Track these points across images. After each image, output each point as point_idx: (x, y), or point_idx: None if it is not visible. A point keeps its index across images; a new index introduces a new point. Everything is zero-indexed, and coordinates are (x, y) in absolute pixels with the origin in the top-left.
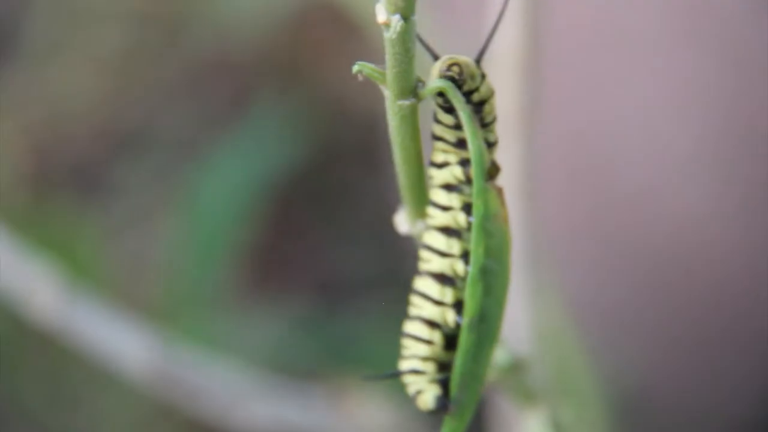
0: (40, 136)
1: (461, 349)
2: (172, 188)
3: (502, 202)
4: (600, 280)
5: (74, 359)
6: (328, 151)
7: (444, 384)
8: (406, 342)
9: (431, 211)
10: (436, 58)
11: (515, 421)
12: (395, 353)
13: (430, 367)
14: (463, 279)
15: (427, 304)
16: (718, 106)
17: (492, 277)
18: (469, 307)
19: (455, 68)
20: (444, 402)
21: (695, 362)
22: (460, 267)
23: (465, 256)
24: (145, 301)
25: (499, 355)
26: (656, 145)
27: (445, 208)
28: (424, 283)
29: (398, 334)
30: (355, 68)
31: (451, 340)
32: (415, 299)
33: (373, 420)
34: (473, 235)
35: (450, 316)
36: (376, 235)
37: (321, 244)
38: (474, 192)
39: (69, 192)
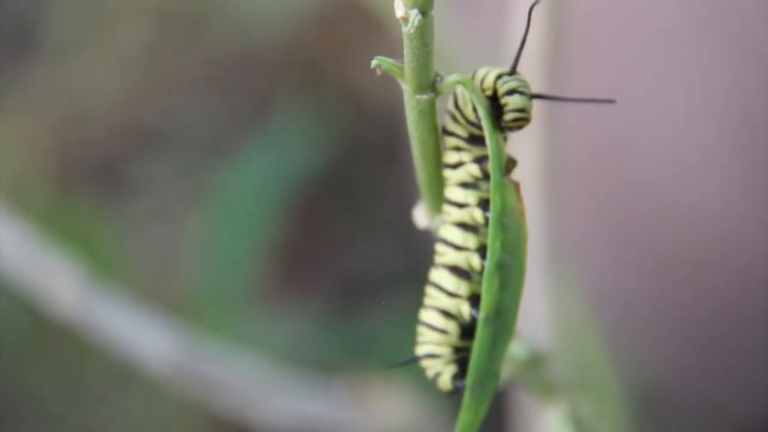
0: (63, 133)
1: (477, 344)
2: (195, 185)
3: (519, 197)
4: (619, 274)
5: (95, 355)
6: (351, 148)
7: (461, 363)
8: (421, 329)
9: (447, 207)
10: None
11: (535, 415)
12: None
13: (446, 351)
14: (479, 273)
15: (442, 295)
16: (736, 99)
17: (508, 272)
18: (486, 301)
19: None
20: (462, 382)
21: (713, 356)
22: (475, 261)
23: (481, 250)
24: (168, 297)
25: (518, 349)
26: (675, 138)
27: (461, 205)
28: (439, 275)
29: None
30: (374, 63)
31: (466, 331)
32: (430, 290)
33: (394, 414)
34: (490, 230)
35: (465, 309)
36: (398, 232)
37: (343, 242)
38: (491, 187)
39: (92, 189)
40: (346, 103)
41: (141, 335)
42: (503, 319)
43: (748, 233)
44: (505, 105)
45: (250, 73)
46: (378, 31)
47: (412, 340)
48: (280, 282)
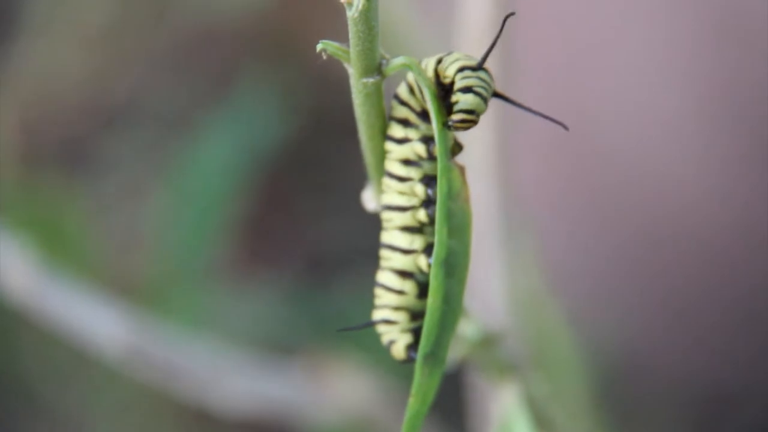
0: (28, 112)
1: (428, 318)
2: (161, 163)
3: (465, 182)
4: (582, 247)
5: (52, 340)
6: (318, 123)
7: (416, 334)
8: (378, 292)
9: (387, 181)
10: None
11: (490, 395)
12: None
13: (402, 317)
14: (430, 224)
15: (396, 254)
16: (701, 66)
17: (453, 258)
18: (434, 287)
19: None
20: (415, 353)
21: (681, 327)
22: (422, 215)
23: (425, 203)
24: (132, 276)
25: (469, 330)
26: (639, 106)
27: (403, 179)
28: (390, 236)
29: None
30: (319, 46)
31: (424, 289)
32: (384, 252)
33: (352, 392)
34: (437, 215)
35: (422, 261)
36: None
37: (311, 217)
38: (438, 170)
39: (57, 167)
40: (313, 78)
41: (96, 320)
42: (450, 305)
43: (714, 203)
44: (455, 103)
45: (215, 49)
46: (341, 7)
47: None
48: (246, 259)
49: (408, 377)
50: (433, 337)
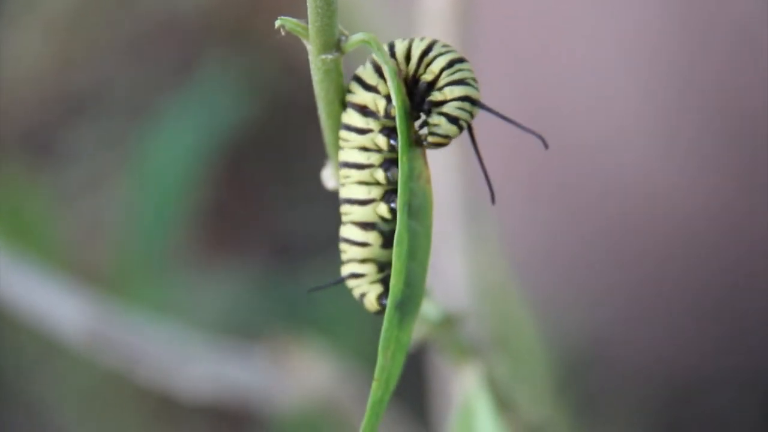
0: None
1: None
2: (125, 151)
3: (425, 162)
4: (551, 235)
5: (17, 328)
6: (283, 109)
7: (386, 283)
8: (343, 247)
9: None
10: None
11: (451, 377)
12: (354, 312)
13: (369, 269)
14: (387, 182)
15: (355, 207)
16: (666, 59)
17: (415, 239)
18: (396, 267)
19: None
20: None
21: (645, 317)
22: (380, 175)
23: (384, 163)
24: (98, 265)
25: (430, 311)
26: (604, 98)
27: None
28: (348, 190)
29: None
30: (277, 23)
31: (388, 238)
32: (344, 207)
33: (315, 376)
34: (399, 190)
35: (382, 209)
36: (330, 193)
37: (275, 204)
38: (399, 150)
39: (21, 156)
40: (277, 64)
41: (59, 306)
42: (412, 287)
43: (680, 192)
44: (435, 125)
45: (178, 36)
46: None
47: (347, 300)
48: (212, 247)
49: (372, 361)
50: (402, 284)
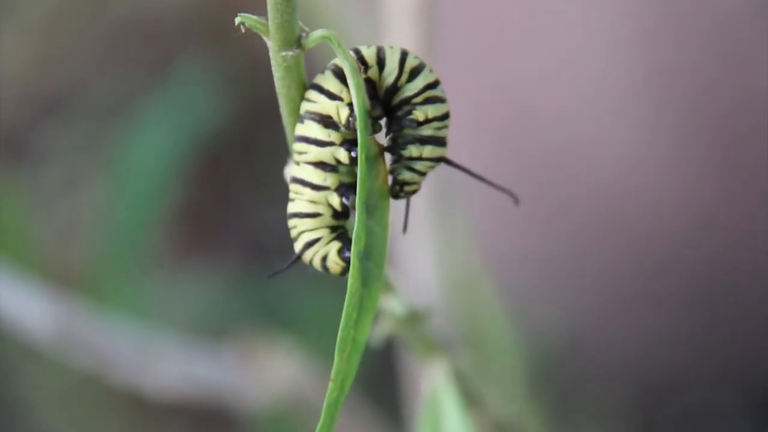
0: None
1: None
2: (100, 152)
3: (382, 160)
4: (525, 231)
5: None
6: (256, 110)
7: (342, 237)
8: (292, 222)
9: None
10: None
11: (420, 372)
12: (330, 312)
13: (321, 233)
14: (347, 165)
15: (307, 189)
16: (645, 47)
17: (372, 239)
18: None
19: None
20: (349, 252)
21: (622, 312)
22: (342, 155)
23: (344, 144)
24: (72, 266)
25: (396, 307)
26: (583, 89)
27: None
28: (299, 170)
29: (332, 293)
30: (237, 20)
31: (338, 213)
32: (294, 186)
33: (282, 374)
34: (358, 188)
35: (334, 200)
36: None
37: (250, 204)
38: (359, 145)
39: None
40: (251, 65)
41: (28, 307)
42: (369, 288)
43: (660, 186)
44: (403, 180)
45: (155, 38)
46: None
47: (324, 301)
48: (188, 247)
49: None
50: (359, 282)
